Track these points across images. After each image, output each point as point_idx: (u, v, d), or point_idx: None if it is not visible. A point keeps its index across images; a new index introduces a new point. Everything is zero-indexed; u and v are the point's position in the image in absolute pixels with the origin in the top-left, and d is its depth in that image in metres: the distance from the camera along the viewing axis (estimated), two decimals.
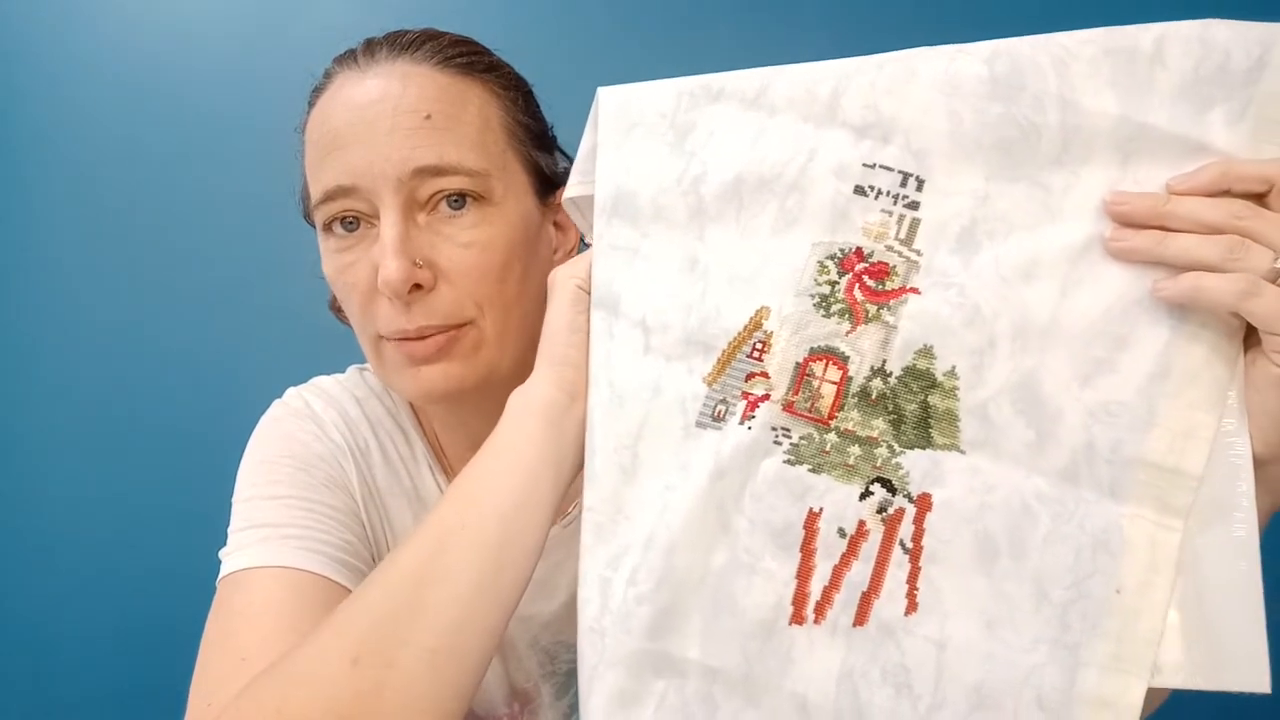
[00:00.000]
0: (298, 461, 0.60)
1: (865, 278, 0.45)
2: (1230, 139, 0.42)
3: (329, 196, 0.57)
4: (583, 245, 0.63)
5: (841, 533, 0.45)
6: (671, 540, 0.45)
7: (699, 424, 0.46)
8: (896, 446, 0.45)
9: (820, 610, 0.45)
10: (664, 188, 0.47)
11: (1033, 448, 0.43)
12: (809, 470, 0.46)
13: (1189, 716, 0.57)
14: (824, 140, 0.46)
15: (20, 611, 1.22)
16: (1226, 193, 0.41)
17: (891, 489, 0.45)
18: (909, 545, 0.45)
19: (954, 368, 0.44)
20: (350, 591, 0.51)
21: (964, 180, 0.44)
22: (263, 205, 0.91)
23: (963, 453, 0.44)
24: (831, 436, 0.46)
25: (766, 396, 0.46)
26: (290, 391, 0.67)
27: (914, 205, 0.45)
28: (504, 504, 0.46)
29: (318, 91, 0.61)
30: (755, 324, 0.46)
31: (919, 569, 0.44)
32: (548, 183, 0.63)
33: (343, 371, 0.70)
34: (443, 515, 0.47)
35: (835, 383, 0.46)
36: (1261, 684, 0.41)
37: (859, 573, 0.45)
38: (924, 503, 0.45)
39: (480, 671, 0.46)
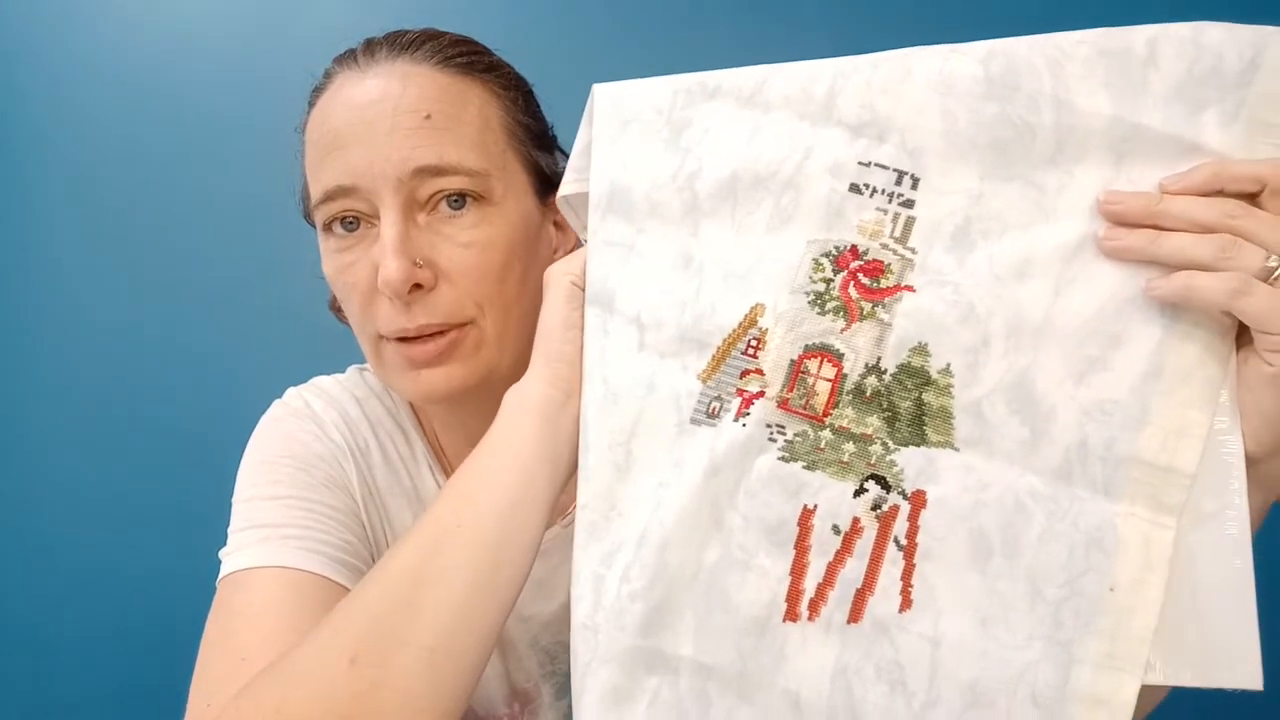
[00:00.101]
0: (298, 461, 0.60)
1: (860, 275, 0.46)
2: (1223, 140, 0.42)
3: (329, 196, 0.57)
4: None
5: (836, 529, 0.45)
6: (665, 537, 0.46)
7: (693, 421, 0.47)
8: (891, 444, 0.45)
9: (814, 607, 0.45)
10: (659, 184, 0.47)
11: (1027, 445, 0.44)
12: (803, 467, 0.46)
13: (1184, 714, 0.57)
14: (819, 138, 0.46)
15: (20, 611, 1.22)
16: (1219, 192, 0.41)
17: (886, 486, 0.45)
18: (903, 542, 0.45)
19: (949, 365, 0.45)
20: (350, 591, 0.51)
21: (959, 179, 0.44)
22: (263, 205, 0.91)
23: (957, 450, 0.45)
24: (826, 433, 0.46)
25: (761, 393, 0.46)
26: (290, 391, 0.67)
27: (909, 203, 0.45)
28: (500, 502, 0.47)
29: (318, 91, 0.61)
30: (750, 321, 0.46)
31: (913, 566, 0.45)
32: (548, 183, 0.63)
33: (343, 371, 0.70)
34: (439, 514, 0.47)
35: (830, 380, 0.46)
36: (1254, 681, 0.41)
37: (853, 569, 0.45)
38: (918, 500, 0.45)
39: (478, 670, 0.46)
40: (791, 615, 0.45)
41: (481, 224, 0.58)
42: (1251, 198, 0.41)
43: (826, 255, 0.46)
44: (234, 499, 0.60)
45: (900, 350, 0.45)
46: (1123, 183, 0.43)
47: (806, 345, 0.46)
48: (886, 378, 0.45)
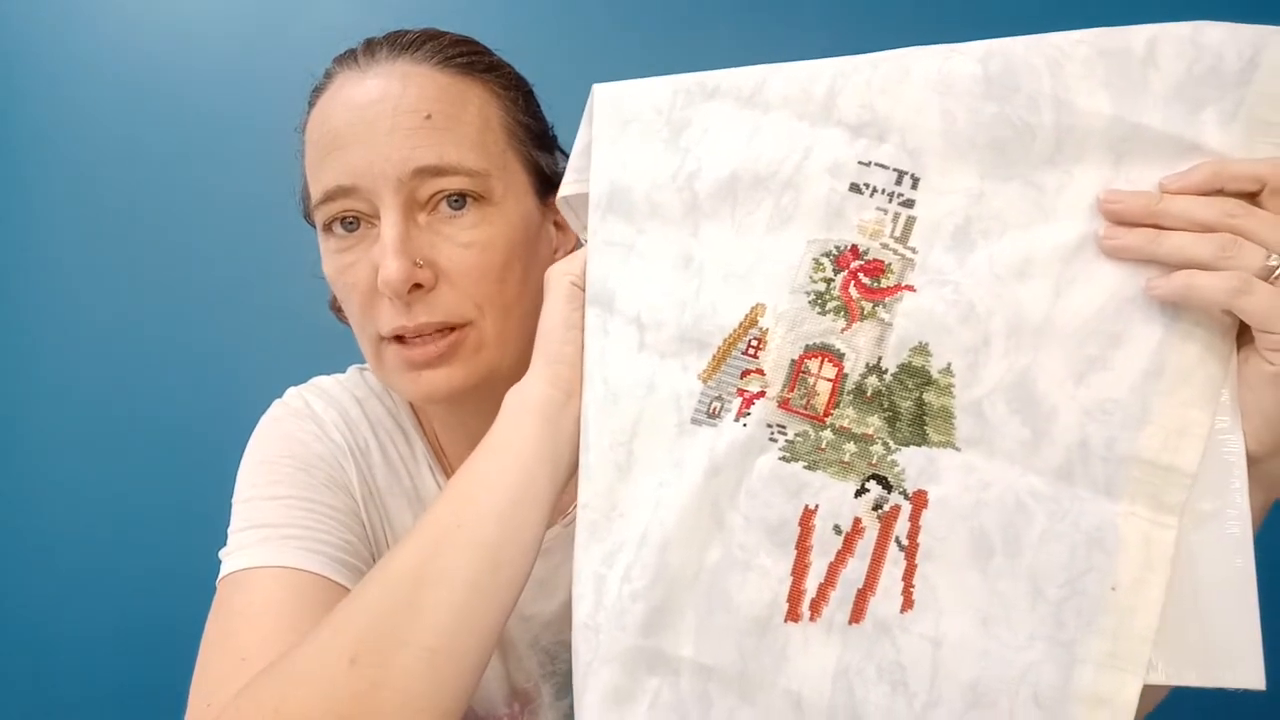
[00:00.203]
0: (298, 461, 0.60)
1: (861, 275, 0.46)
2: (1223, 139, 0.42)
3: (329, 196, 0.57)
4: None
5: (837, 530, 0.45)
6: (666, 537, 0.46)
7: (694, 421, 0.47)
8: (892, 444, 0.45)
9: (816, 607, 0.45)
10: (659, 184, 0.47)
11: (1027, 445, 0.44)
12: (804, 467, 0.46)
13: (1184, 714, 0.57)
14: (819, 138, 0.46)
15: (20, 611, 1.22)
16: (1219, 192, 0.41)
17: (887, 486, 0.45)
18: (905, 542, 0.45)
19: (949, 365, 0.44)
20: (350, 591, 0.51)
21: (958, 179, 0.44)
22: (263, 205, 0.91)
23: (958, 450, 0.44)
24: (827, 433, 0.46)
25: (762, 393, 0.46)
26: (290, 391, 0.67)
27: (909, 203, 0.45)
28: (501, 502, 0.47)
29: (318, 91, 0.61)
30: (750, 321, 0.46)
31: (915, 566, 0.45)
32: (548, 183, 0.63)
33: (343, 371, 0.70)
34: (439, 514, 0.47)
35: (831, 380, 0.46)
36: (1257, 681, 0.41)
37: (855, 570, 0.45)
38: (919, 500, 0.45)
39: (478, 670, 0.46)
40: (793, 615, 0.45)
41: (482, 224, 0.58)
42: (1251, 197, 0.41)
43: (827, 255, 0.46)
44: (234, 499, 0.60)
45: (901, 350, 0.45)
46: (1122, 182, 0.43)
47: (807, 345, 0.46)
48: (887, 377, 0.45)
